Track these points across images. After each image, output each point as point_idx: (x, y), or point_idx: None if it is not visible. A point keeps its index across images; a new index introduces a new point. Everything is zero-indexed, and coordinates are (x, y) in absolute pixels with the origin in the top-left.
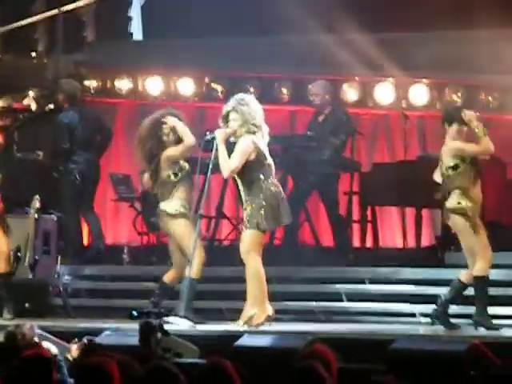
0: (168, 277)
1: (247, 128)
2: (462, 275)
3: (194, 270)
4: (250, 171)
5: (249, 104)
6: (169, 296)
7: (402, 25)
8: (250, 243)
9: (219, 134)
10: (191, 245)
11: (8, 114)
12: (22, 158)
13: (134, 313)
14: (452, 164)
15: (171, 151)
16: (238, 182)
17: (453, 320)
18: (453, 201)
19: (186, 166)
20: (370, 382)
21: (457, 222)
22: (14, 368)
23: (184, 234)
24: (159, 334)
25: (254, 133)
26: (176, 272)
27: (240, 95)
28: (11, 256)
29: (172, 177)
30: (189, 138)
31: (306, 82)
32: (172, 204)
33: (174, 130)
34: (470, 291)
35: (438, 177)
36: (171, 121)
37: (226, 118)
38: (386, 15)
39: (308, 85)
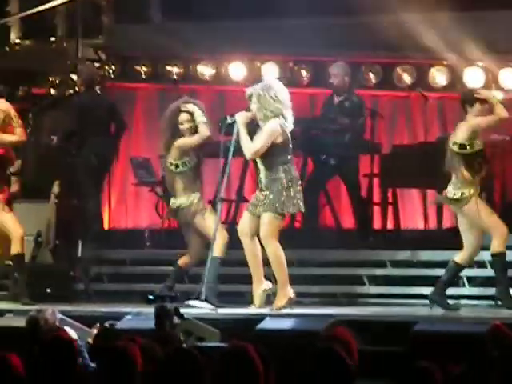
0: (183, 261)
1: (265, 113)
2: (457, 256)
3: (217, 249)
4: (274, 155)
5: (270, 89)
6: (183, 280)
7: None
8: (269, 227)
9: (239, 118)
10: (210, 229)
11: (28, 99)
12: (37, 143)
13: (150, 297)
14: (462, 141)
15: (182, 141)
16: (260, 164)
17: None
18: (455, 191)
19: (194, 159)
20: (391, 363)
21: (464, 213)
22: (38, 353)
23: (201, 221)
24: (175, 318)
25: (273, 117)
26: (192, 257)
27: (268, 80)
28: (30, 241)
29: (173, 167)
30: (204, 131)
31: (326, 64)
32: (177, 198)
33: (191, 118)
34: (490, 272)
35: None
36: (190, 107)
37: (249, 100)
38: None
39: (328, 67)
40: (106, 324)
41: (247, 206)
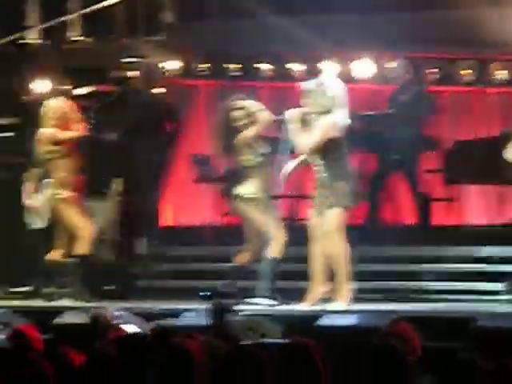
0: (242, 258)
1: (316, 108)
2: None
3: (274, 249)
4: (334, 149)
5: (323, 85)
6: (243, 277)
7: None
8: (338, 222)
9: (290, 114)
10: (270, 226)
11: (90, 96)
12: (98, 140)
13: (203, 294)
14: None
15: (245, 134)
16: (318, 160)
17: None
18: None
19: (264, 150)
20: (453, 360)
21: None
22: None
23: (261, 217)
24: (230, 315)
25: (325, 113)
26: (250, 254)
27: (323, 76)
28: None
29: (245, 163)
30: (263, 116)
31: (387, 60)
32: (248, 188)
33: (246, 114)
34: None
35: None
36: (242, 104)
37: (306, 97)
38: None
39: (388, 63)
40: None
41: (311, 205)
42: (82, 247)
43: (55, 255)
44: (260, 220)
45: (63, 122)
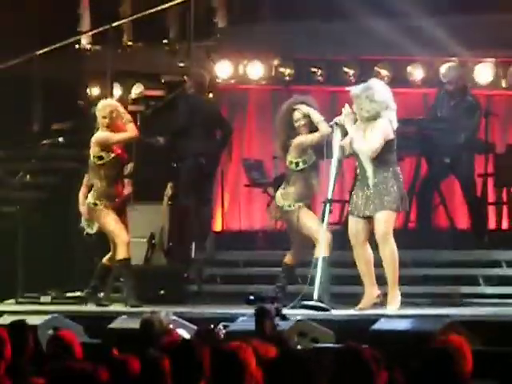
0: (288, 260)
1: (361, 113)
2: None
3: (324, 249)
4: (385, 152)
5: (368, 89)
6: (294, 280)
7: None
8: (387, 225)
9: (346, 119)
10: (317, 230)
11: (140, 101)
12: (150, 145)
13: (250, 298)
14: None
15: (302, 138)
16: (369, 163)
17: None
18: None
19: (313, 157)
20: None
21: None
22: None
23: (305, 223)
24: (277, 319)
25: (376, 117)
26: (294, 256)
27: (370, 81)
28: (144, 243)
29: (293, 165)
30: (324, 127)
31: (438, 64)
32: (286, 198)
33: (306, 116)
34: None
35: None
36: (304, 109)
37: (354, 101)
38: None
39: (439, 67)
40: (220, 325)
41: (351, 210)
42: (121, 253)
43: (105, 260)
44: (304, 227)
45: (113, 122)
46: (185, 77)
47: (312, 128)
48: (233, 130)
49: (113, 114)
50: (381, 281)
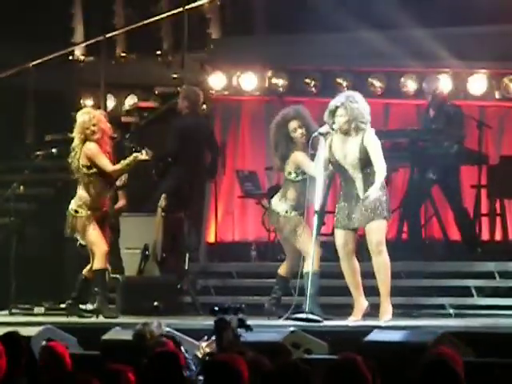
0: (283, 271)
1: (356, 124)
2: None
3: (312, 264)
4: (373, 164)
5: (358, 101)
6: (288, 291)
7: None
8: (381, 234)
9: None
10: (306, 242)
11: (134, 112)
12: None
13: (215, 308)
14: None
15: (302, 159)
16: (361, 174)
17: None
18: None
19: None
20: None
21: None
22: (146, 365)
23: (295, 233)
24: (241, 330)
25: (363, 128)
26: (289, 265)
27: (349, 92)
28: (138, 254)
29: (292, 176)
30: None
31: (432, 75)
32: (283, 204)
33: (302, 126)
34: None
35: None
36: (302, 122)
37: (333, 114)
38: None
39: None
40: (213, 337)
41: (337, 222)
42: (98, 263)
43: (85, 272)
44: (295, 239)
45: (91, 132)
46: (180, 96)
47: (309, 137)
48: (219, 152)
49: (89, 122)
50: (370, 292)
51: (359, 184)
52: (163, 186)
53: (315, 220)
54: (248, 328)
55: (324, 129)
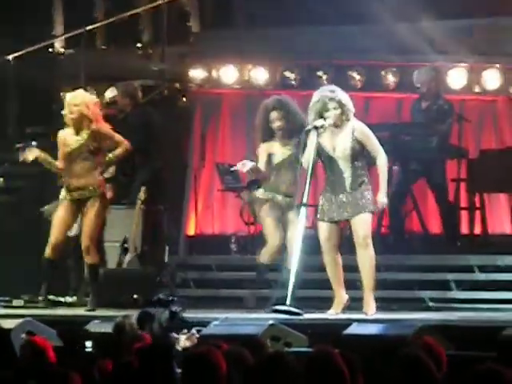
0: (263, 258)
1: (347, 115)
2: None
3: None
4: (362, 156)
5: (342, 92)
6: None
7: (507, 9)
8: (368, 227)
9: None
10: (269, 233)
11: (113, 105)
12: None
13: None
14: None
15: (260, 152)
16: (349, 166)
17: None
18: None
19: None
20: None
21: None
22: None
23: (265, 220)
24: (175, 322)
25: (350, 119)
26: (268, 251)
27: (332, 86)
28: (117, 247)
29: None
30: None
31: (412, 69)
32: (260, 190)
33: (283, 118)
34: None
35: None
36: (287, 108)
37: (325, 107)
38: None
39: (414, 72)
40: (193, 330)
41: (321, 215)
42: (94, 257)
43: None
44: (264, 222)
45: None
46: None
47: (288, 130)
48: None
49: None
50: (351, 285)
51: (347, 176)
52: (139, 180)
53: (302, 212)
54: (183, 320)
55: (319, 122)
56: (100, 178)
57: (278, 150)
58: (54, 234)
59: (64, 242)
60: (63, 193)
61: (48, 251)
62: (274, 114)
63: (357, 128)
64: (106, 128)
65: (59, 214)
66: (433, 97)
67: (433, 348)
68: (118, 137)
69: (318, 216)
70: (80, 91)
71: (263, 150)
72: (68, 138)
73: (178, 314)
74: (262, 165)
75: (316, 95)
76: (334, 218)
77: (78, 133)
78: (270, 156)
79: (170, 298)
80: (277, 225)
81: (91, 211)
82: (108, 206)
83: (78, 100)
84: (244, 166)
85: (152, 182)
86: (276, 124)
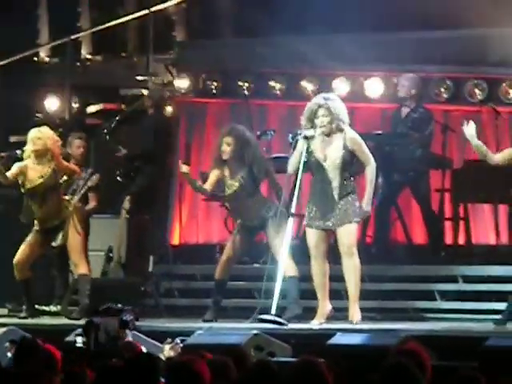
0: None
1: (337, 124)
2: None
3: (291, 268)
4: (351, 164)
5: (335, 101)
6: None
7: (491, 20)
8: (353, 237)
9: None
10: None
11: (99, 114)
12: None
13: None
14: None
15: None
16: (338, 175)
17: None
18: None
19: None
20: (460, 378)
21: None
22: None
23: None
24: (126, 332)
25: (343, 128)
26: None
27: (324, 93)
28: (102, 256)
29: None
30: None
31: (397, 79)
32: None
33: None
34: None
35: None
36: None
37: (315, 115)
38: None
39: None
40: (177, 339)
41: (309, 222)
42: (83, 267)
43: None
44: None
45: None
46: (144, 90)
47: (238, 159)
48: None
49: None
50: (335, 295)
51: (336, 185)
52: (133, 186)
53: (290, 222)
54: (135, 329)
55: (309, 132)
56: (65, 203)
57: (227, 181)
58: (17, 256)
59: (25, 261)
60: (35, 222)
61: (16, 273)
62: (225, 139)
63: (349, 137)
64: (63, 165)
65: (28, 240)
66: (413, 103)
67: (418, 355)
68: (72, 167)
69: (306, 222)
70: (44, 127)
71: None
72: (30, 173)
73: (128, 323)
74: (207, 186)
75: (310, 102)
76: (323, 226)
77: (39, 166)
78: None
79: (121, 307)
80: (235, 240)
81: (71, 229)
82: (85, 215)
83: (41, 134)
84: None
85: (144, 189)
86: (227, 150)
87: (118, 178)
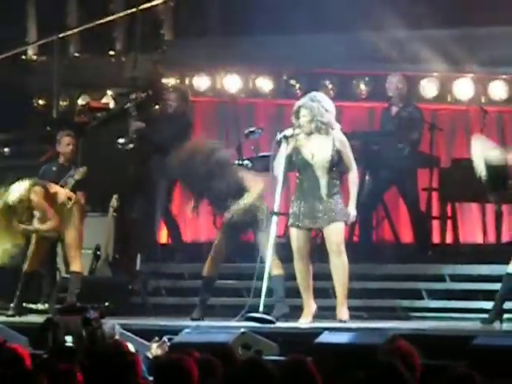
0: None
1: (317, 124)
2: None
3: (277, 267)
4: (337, 164)
5: (320, 101)
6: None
7: (480, 20)
8: (341, 236)
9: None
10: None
11: (87, 112)
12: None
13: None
14: None
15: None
16: (325, 175)
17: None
18: None
19: None
20: (449, 377)
21: None
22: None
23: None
24: (85, 328)
25: (320, 130)
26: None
27: (313, 93)
28: (89, 254)
29: None
30: None
31: (385, 78)
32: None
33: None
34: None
35: None
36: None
37: (297, 114)
38: (464, 10)
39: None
40: (165, 338)
41: (293, 222)
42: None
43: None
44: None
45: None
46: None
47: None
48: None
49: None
50: (322, 294)
51: (323, 184)
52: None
53: (274, 221)
54: (96, 327)
55: (289, 132)
56: (57, 217)
57: None
58: (32, 250)
59: (41, 256)
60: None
61: (27, 266)
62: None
63: (338, 138)
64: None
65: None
66: (401, 102)
67: (406, 353)
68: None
69: (290, 222)
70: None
71: None
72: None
73: (92, 322)
74: None
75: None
76: (308, 226)
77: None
78: None
79: (85, 306)
80: (222, 238)
81: (69, 224)
82: (83, 211)
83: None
84: None
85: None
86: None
87: (120, 140)
